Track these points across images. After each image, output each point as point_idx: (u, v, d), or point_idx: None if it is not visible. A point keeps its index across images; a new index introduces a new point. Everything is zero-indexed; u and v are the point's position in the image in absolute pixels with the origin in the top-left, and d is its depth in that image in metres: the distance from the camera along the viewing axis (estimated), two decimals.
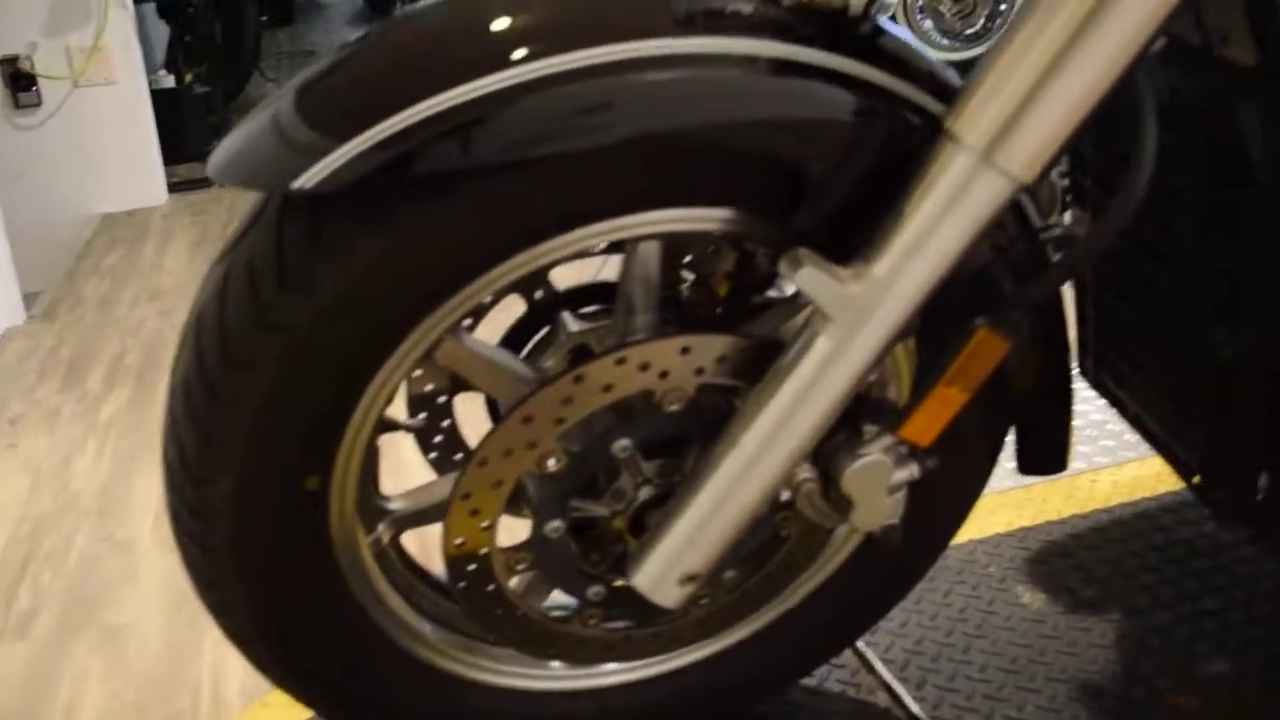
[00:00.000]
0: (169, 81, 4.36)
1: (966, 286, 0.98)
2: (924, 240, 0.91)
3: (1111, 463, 1.96)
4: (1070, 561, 1.70)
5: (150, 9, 4.59)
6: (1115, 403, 1.46)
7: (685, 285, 1.20)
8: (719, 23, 0.95)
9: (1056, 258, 1.06)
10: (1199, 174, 1.14)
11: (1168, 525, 1.78)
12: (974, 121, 0.89)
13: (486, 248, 0.96)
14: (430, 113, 0.89)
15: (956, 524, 1.28)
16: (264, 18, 6.27)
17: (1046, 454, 1.25)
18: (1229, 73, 1.08)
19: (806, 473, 1.04)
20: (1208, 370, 1.22)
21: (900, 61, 1.00)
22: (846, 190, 0.97)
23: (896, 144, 0.96)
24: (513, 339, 1.20)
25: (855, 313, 0.94)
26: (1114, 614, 1.59)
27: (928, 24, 5.55)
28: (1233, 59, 1.07)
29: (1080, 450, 1.99)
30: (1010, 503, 1.83)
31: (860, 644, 1.49)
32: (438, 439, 1.23)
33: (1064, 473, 1.97)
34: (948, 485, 1.20)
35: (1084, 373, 1.49)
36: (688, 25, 0.94)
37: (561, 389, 0.99)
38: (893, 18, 5.58)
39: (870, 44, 1.01)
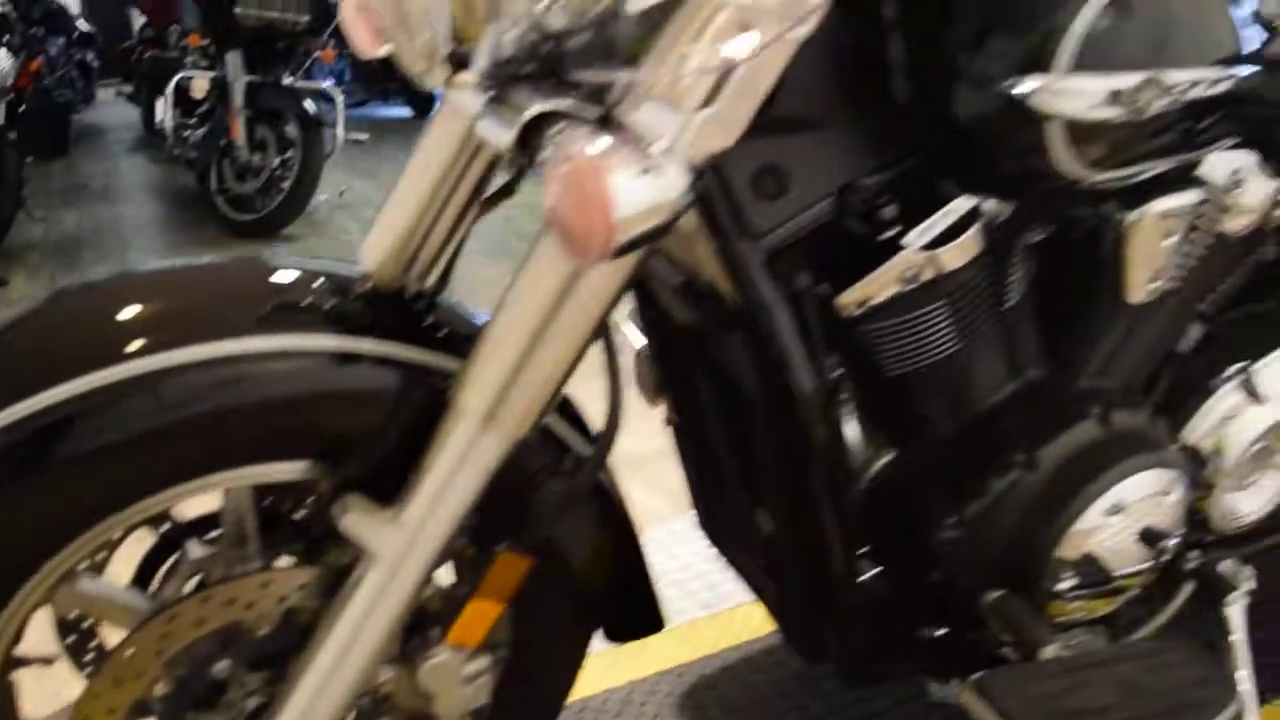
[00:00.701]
0: None
1: (497, 513, 1.18)
2: (443, 489, 1.11)
3: None
4: (717, 693, 1.91)
5: None
6: (723, 555, 1.69)
7: (308, 504, 1.38)
8: (294, 319, 1.16)
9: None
10: (713, 392, 1.37)
11: None
12: (471, 393, 1.10)
13: (84, 517, 1.11)
14: (34, 409, 1.06)
15: (562, 691, 1.46)
16: (28, 158, 6.23)
17: (635, 620, 1.45)
18: (722, 308, 1.30)
19: (390, 673, 1.23)
20: (764, 544, 1.45)
21: (441, 338, 1.21)
22: (388, 448, 1.16)
23: (429, 409, 1.15)
24: (146, 568, 1.35)
25: (393, 549, 1.12)
26: None
27: None
28: (724, 296, 1.30)
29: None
30: (672, 640, 2.02)
31: None
32: (89, 656, 1.36)
33: (725, 606, 2.18)
34: (541, 662, 1.40)
35: (704, 528, 1.71)
36: (269, 324, 1.15)
37: (158, 627, 1.16)
38: None
39: (419, 323, 1.23)
